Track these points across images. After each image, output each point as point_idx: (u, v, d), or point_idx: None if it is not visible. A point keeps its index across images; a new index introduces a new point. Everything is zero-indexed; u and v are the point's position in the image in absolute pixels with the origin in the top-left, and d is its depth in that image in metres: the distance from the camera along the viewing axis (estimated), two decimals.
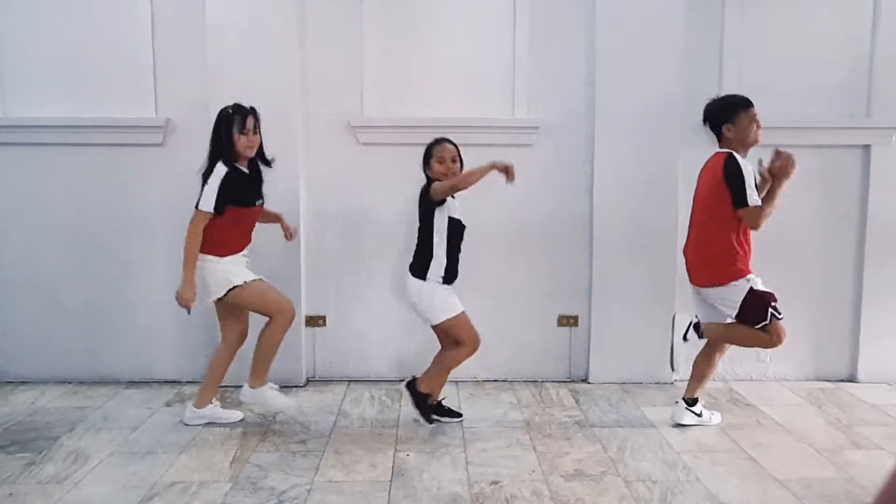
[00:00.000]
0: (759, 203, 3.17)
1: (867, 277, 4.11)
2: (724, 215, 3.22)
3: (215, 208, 3.14)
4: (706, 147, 4.03)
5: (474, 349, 3.29)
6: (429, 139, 3.88)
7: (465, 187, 3.17)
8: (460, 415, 3.50)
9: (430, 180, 3.26)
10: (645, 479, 2.83)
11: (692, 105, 3.96)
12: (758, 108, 4.00)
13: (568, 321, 4.14)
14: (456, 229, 3.28)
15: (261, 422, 3.45)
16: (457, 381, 4.04)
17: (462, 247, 3.34)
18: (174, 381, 4.03)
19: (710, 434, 3.33)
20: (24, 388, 3.94)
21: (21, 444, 3.15)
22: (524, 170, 4.03)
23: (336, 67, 3.97)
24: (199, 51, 3.84)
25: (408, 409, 3.61)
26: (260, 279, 3.32)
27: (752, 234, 3.28)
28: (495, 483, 2.79)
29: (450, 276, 3.28)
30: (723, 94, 3.49)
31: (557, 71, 4.01)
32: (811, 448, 3.16)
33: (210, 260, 3.20)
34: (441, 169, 3.23)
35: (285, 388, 3.87)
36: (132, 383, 4.03)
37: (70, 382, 4.01)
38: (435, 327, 3.29)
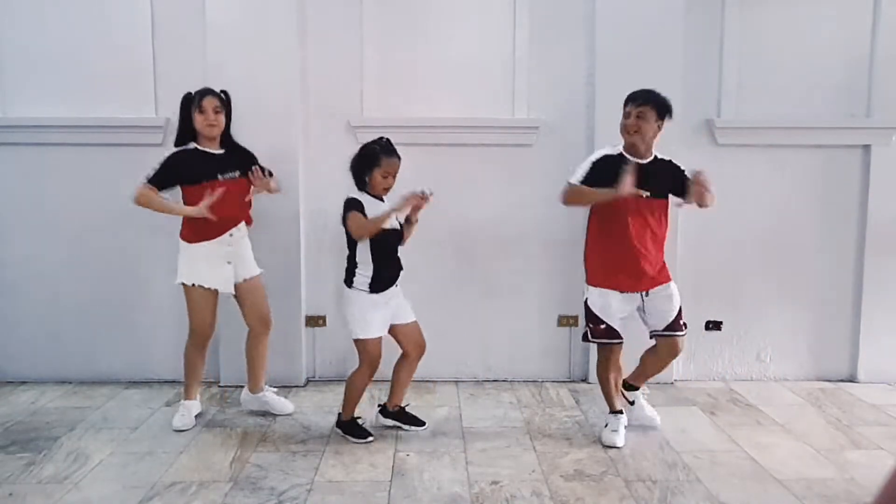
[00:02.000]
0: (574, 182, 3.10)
1: (867, 277, 4.11)
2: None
3: (155, 182, 3.15)
4: (706, 147, 4.06)
5: (370, 371, 3.16)
6: (429, 139, 3.90)
7: (380, 226, 3.01)
8: (423, 423, 3.35)
9: (361, 187, 3.12)
10: (645, 479, 2.83)
11: (692, 105, 3.98)
12: (758, 108, 4.05)
13: (568, 321, 4.14)
14: (384, 237, 3.08)
15: (261, 422, 3.45)
16: (457, 381, 4.04)
17: (399, 250, 3.19)
18: (174, 381, 4.03)
19: (710, 434, 3.33)
20: (24, 388, 3.94)
21: (21, 444, 3.15)
22: (524, 170, 4.05)
23: (336, 67, 3.97)
24: (199, 51, 3.84)
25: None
26: (206, 290, 3.23)
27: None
28: (495, 483, 2.79)
29: (378, 284, 3.10)
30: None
31: (557, 71, 4.01)
32: (811, 448, 3.16)
33: (181, 245, 3.27)
34: (384, 184, 3.08)
35: (285, 388, 3.89)
36: (132, 383, 4.03)
37: (70, 382, 4.01)
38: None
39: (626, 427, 3.25)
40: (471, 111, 4.00)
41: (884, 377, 4.12)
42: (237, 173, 3.28)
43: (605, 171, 3.06)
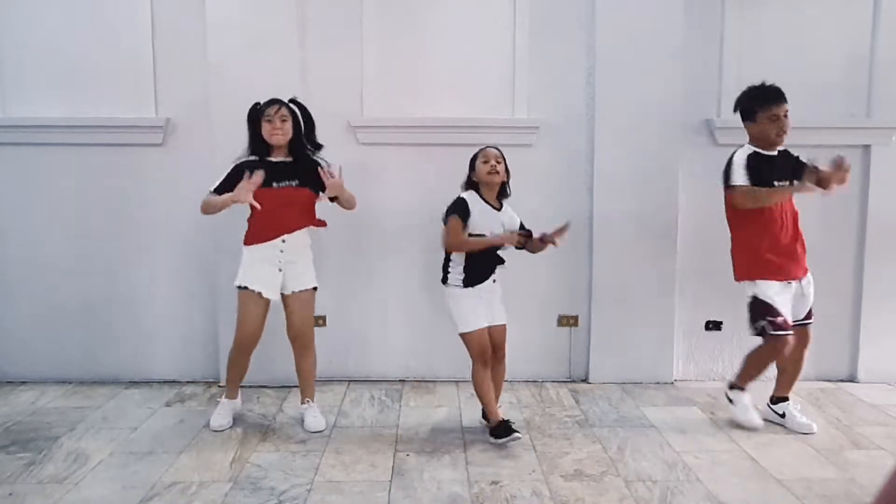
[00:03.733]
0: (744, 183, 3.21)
1: (867, 277, 4.11)
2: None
3: (217, 191, 3.18)
4: (706, 147, 4.06)
5: (481, 365, 3.21)
6: (429, 139, 3.91)
7: (472, 250, 3.16)
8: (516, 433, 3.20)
9: (471, 184, 3.24)
10: (645, 479, 2.83)
11: (692, 105, 3.98)
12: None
13: (568, 321, 4.14)
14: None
15: (261, 422, 3.45)
16: (457, 381, 4.04)
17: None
18: (174, 381, 4.03)
19: (710, 434, 3.33)
20: (24, 388, 3.94)
21: (21, 444, 3.15)
22: (524, 170, 4.04)
23: (336, 67, 3.97)
24: (199, 51, 3.84)
25: (408, 409, 3.63)
26: (253, 292, 3.19)
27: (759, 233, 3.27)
28: (495, 483, 2.79)
29: (471, 278, 3.18)
30: (744, 89, 3.39)
31: (557, 71, 4.01)
32: (811, 448, 3.16)
33: (244, 249, 3.26)
34: (486, 168, 3.17)
35: (285, 388, 3.89)
36: (132, 383, 4.03)
37: (70, 382, 4.01)
38: None
39: (783, 417, 3.39)
40: (471, 111, 4.00)
41: (884, 377, 4.12)
42: (295, 181, 3.22)
43: (757, 170, 3.23)
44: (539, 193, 4.05)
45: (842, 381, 4.17)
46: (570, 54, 4.00)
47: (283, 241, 3.22)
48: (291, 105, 3.27)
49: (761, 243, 3.26)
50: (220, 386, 3.92)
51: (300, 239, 3.29)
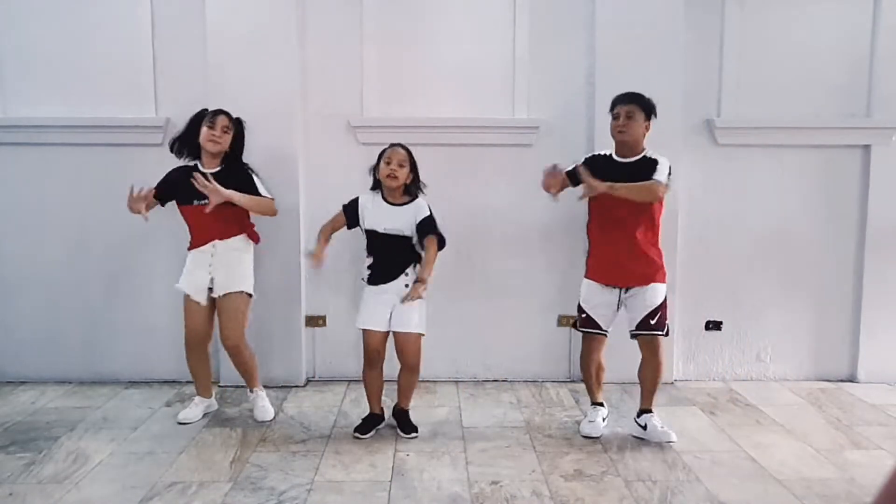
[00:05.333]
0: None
1: (867, 277, 4.11)
2: None
3: (156, 195, 3.35)
4: (706, 147, 4.06)
5: (366, 362, 3.25)
6: (429, 139, 3.91)
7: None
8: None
9: (376, 181, 3.25)
10: (645, 479, 2.83)
11: (692, 105, 3.98)
12: (758, 108, 4.05)
13: (568, 321, 4.14)
14: (372, 238, 3.23)
15: (261, 422, 3.45)
16: (457, 381, 4.04)
17: (388, 252, 3.20)
18: (174, 381, 4.03)
19: (710, 434, 3.33)
20: (24, 388, 3.94)
21: (21, 444, 3.15)
22: (524, 170, 4.05)
23: (336, 67, 3.97)
24: (199, 51, 3.84)
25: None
26: (185, 294, 3.36)
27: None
28: (495, 483, 2.79)
29: (374, 276, 3.21)
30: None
31: (557, 71, 4.01)
32: (811, 448, 3.16)
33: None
34: (385, 171, 3.17)
35: (285, 388, 3.89)
36: (132, 383, 4.03)
37: (70, 382, 4.01)
38: None
39: (604, 420, 3.35)
40: (471, 111, 4.00)
41: (884, 377, 4.12)
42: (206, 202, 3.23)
43: (592, 167, 3.17)
44: (539, 193, 4.03)
45: (842, 381, 4.17)
46: (570, 54, 4.00)
47: (214, 245, 3.34)
48: (238, 121, 3.37)
49: (590, 245, 3.32)
50: (220, 386, 3.92)
51: (233, 244, 3.37)
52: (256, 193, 3.33)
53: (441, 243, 3.21)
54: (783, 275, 4.13)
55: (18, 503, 2.61)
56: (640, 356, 3.27)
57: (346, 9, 3.94)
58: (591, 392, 3.41)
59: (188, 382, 4.00)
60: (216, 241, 3.33)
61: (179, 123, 3.91)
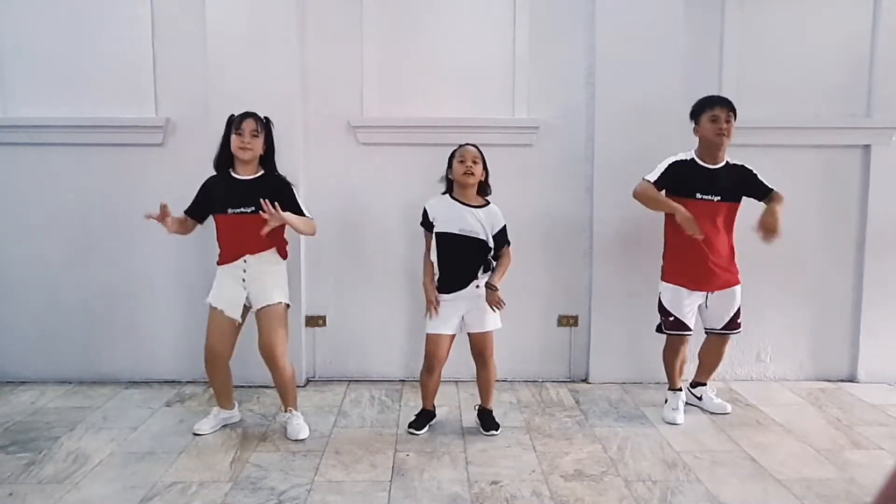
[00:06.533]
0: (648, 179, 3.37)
1: (867, 277, 4.11)
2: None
3: (188, 211, 3.26)
4: None
5: (426, 367, 3.28)
6: (429, 139, 3.91)
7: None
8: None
9: (449, 182, 3.28)
10: (645, 479, 2.83)
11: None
12: (758, 108, 4.05)
13: (568, 321, 4.14)
14: (445, 241, 3.22)
15: (261, 422, 3.45)
16: (457, 381, 4.04)
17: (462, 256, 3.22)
18: (174, 381, 4.03)
19: (710, 434, 3.33)
20: (24, 388, 3.94)
21: (21, 444, 3.15)
22: (524, 170, 4.05)
23: (336, 67, 3.97)
24: (199, 51, 3.84)
25: (408, 409, 3.62)
26: (217, 310, 3.19)
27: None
28: (495, 483, 2.79)
29: (445, 284, 3.22)
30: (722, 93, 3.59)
31: (557, 71, 4.01)
32: (811, 448, 3.16)
33: (217, 268, 3.27)
34: (461, 168, 3.18)
35: None
36: (132, 383, 4.03)
37: (70, 382, 4.01)
38: None
39: (684, 404, 3.53)
40: (471, 111, 4.00)
41: (884, 377, 4.12)
42: (251, 208, 3.11)
43: (676, 177, 3.34)
44: (539, 193, 4.06)
45: (842, 381, 4.17)
46: (570, 54, 4.00)
47: (245, 261, 3.20)
48: (266, 121, 3.23)
49: (669, 250, 3.51)
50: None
51: (265, 258, 3.22)
52: (300, 211, 3.20)
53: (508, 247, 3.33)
54: (783, 275, 4.13)
55: (18, 503, 2.61)
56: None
57: (346, 9, 3.94)
58: (672, 379, 3.55)
59: (188, 382, 4.02)
60: (247, 256, 3.19)
61: (179, 123, 3.94)
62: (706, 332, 3.58)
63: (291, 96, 3.86)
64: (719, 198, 3.33)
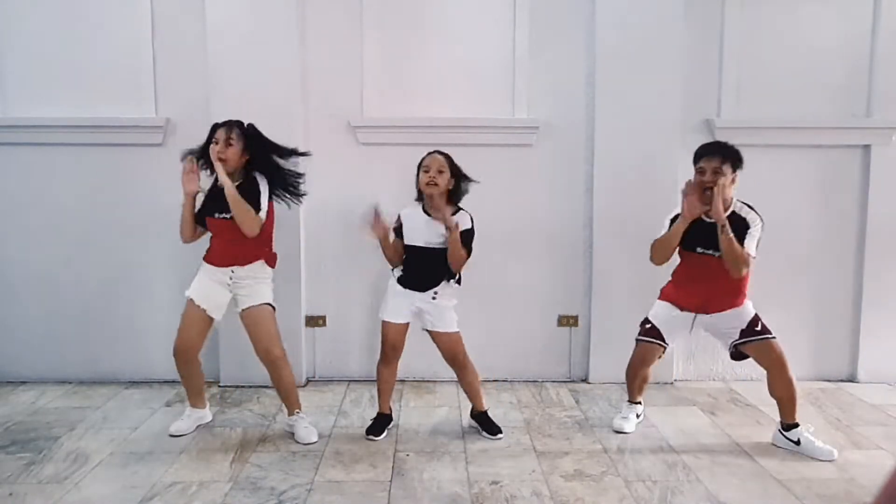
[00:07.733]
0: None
1: (867, 277, 4.11)
2: None
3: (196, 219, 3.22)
4: None
5: (381, 357, 3.27)
6: (429, 139, 3.90)
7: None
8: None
9: (419, 193, 3.21)
10: (645, 479, 2.83)
11: (692, 105, 3.98)
12: (758, 108, 4.05)
13: (568, 321, 4.14)
14: (411, 252, 3.21)
15: (261, 422, 3.45)
16: (457, 382, 4.03)
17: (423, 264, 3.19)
18: (174, 381, 4.01)
19: (710, 434, 3.33)
20: (24, 388, 3.94)
21: (21, 444, 3.15)
22: (524, 170, 4.05)
23: (336, 67, 3.97)
24: (199, 51, 3.84)
25: (408, 409, 3.62)
26: (197, 306, 3.15)
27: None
28: (495, 483, 2.79)
29: (405, 279, 3.22)
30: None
31: (557, 71, 4.01)
32: None
33: (202, 262, 3.23)
34: (424, 179, 3.13)
35: None
36: (132, 383, 4.03)
37: (70, 382, 4.01)
38: None
39: (638, 418, 3.39)
40: (471, 111, 4.00)
41: (884, 377, 4.12)
42: (230, 215, 3.07)
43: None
44: (539, 193, 4.06)
45: (842, 381, 4.17)
46: (570, 54, 4.00)
47: (234, 271, 3.17)
48: (249, 128, 3.15)
49: (673, 276, 3.33)
50: (219, 386, 3.93)
51: (251, 270, 3.18)
52: (256, 204, 3.10)
53: (467, 255, 3.17)
54: (783, 275, 4.13)
55: (18, 503, 2.61)
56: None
57: (346, 9, 3.95)
58: (630, 392, 3.40)
59: None
60: (235, 267, 3.16)
61: (179, 123, 3.94)
62: (732, 355, 3.22)
63: (291, 96, 3.86)
64: (720, 254, 3.03)
